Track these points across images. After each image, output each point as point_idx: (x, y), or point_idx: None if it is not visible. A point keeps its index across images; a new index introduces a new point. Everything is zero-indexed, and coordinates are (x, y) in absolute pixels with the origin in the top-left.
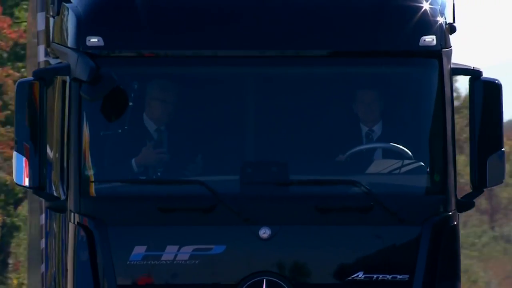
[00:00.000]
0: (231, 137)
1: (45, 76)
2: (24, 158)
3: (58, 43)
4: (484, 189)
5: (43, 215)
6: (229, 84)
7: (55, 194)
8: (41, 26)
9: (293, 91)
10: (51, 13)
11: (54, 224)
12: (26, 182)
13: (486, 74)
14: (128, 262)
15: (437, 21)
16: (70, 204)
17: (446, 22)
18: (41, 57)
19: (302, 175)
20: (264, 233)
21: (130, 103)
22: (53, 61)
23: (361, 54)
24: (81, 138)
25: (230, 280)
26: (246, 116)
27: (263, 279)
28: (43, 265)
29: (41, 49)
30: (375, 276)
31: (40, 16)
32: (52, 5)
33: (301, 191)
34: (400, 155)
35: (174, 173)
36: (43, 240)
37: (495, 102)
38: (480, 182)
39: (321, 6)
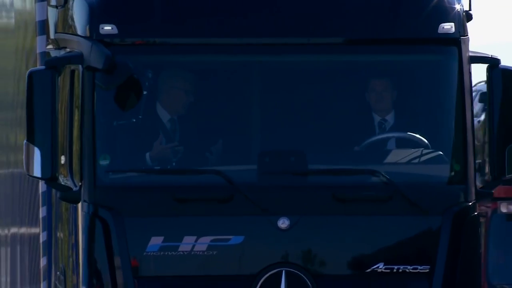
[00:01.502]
0: (248, 126)
1: (57, 65)
2: (35, 148)
3: (65, 33)
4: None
5: (44, 208)
6: (244, 73)
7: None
8: (40, 16)
9: (309, 80)
10: (56, 3)
11: (60, 216)
12: (38, 172)
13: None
14: (144, 253)
15: (454, 8)
16: (84, 195)
17: (463, 9)
18: (41, 48)
19: (320, 165)
20: (282, 223)
21: (145, 92)
22: (54, 52)
23: (378, 41)
24: (95, 127)
25: (249, 271)
26: (262, 105)
27: (282, 270)
28: (45, 258)
29: (40, 40)
30: (395, 267)
31: (40, 6)
32: None
33: (320, 180)
34: (419, 144)
35: (191, 163)
36: (44, 232)
37: None
38: (499, 171)
39: None
